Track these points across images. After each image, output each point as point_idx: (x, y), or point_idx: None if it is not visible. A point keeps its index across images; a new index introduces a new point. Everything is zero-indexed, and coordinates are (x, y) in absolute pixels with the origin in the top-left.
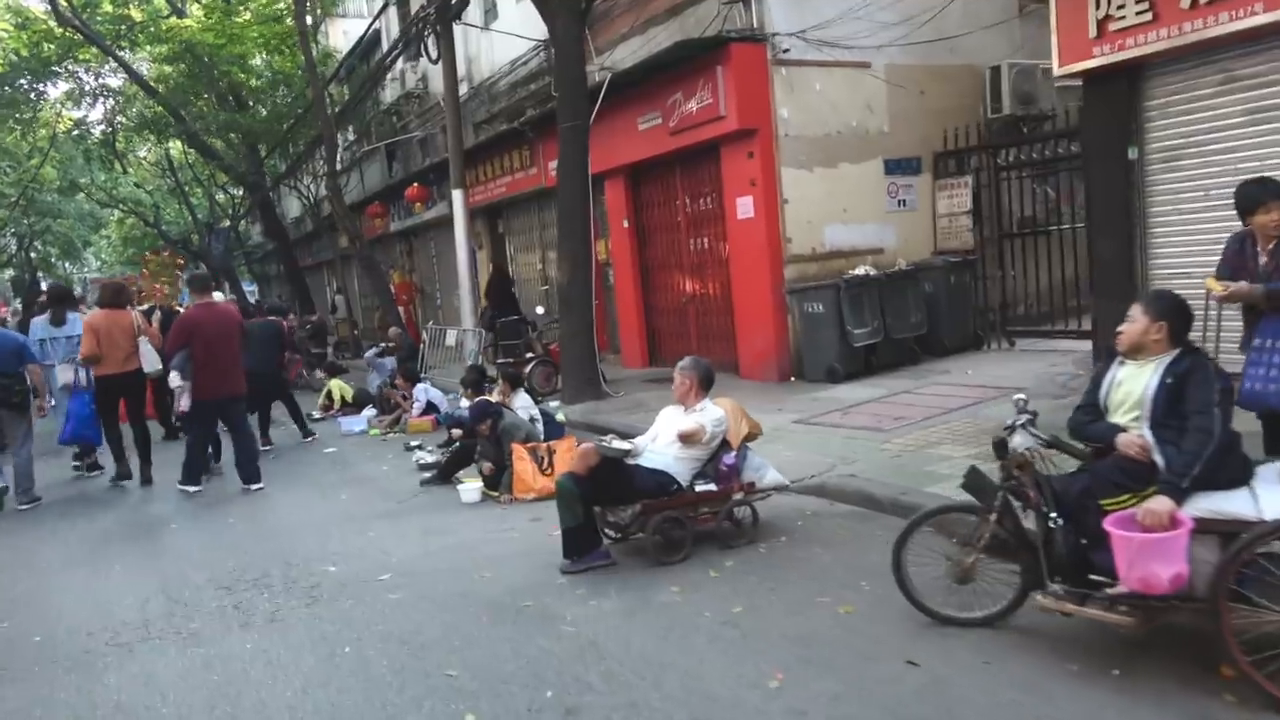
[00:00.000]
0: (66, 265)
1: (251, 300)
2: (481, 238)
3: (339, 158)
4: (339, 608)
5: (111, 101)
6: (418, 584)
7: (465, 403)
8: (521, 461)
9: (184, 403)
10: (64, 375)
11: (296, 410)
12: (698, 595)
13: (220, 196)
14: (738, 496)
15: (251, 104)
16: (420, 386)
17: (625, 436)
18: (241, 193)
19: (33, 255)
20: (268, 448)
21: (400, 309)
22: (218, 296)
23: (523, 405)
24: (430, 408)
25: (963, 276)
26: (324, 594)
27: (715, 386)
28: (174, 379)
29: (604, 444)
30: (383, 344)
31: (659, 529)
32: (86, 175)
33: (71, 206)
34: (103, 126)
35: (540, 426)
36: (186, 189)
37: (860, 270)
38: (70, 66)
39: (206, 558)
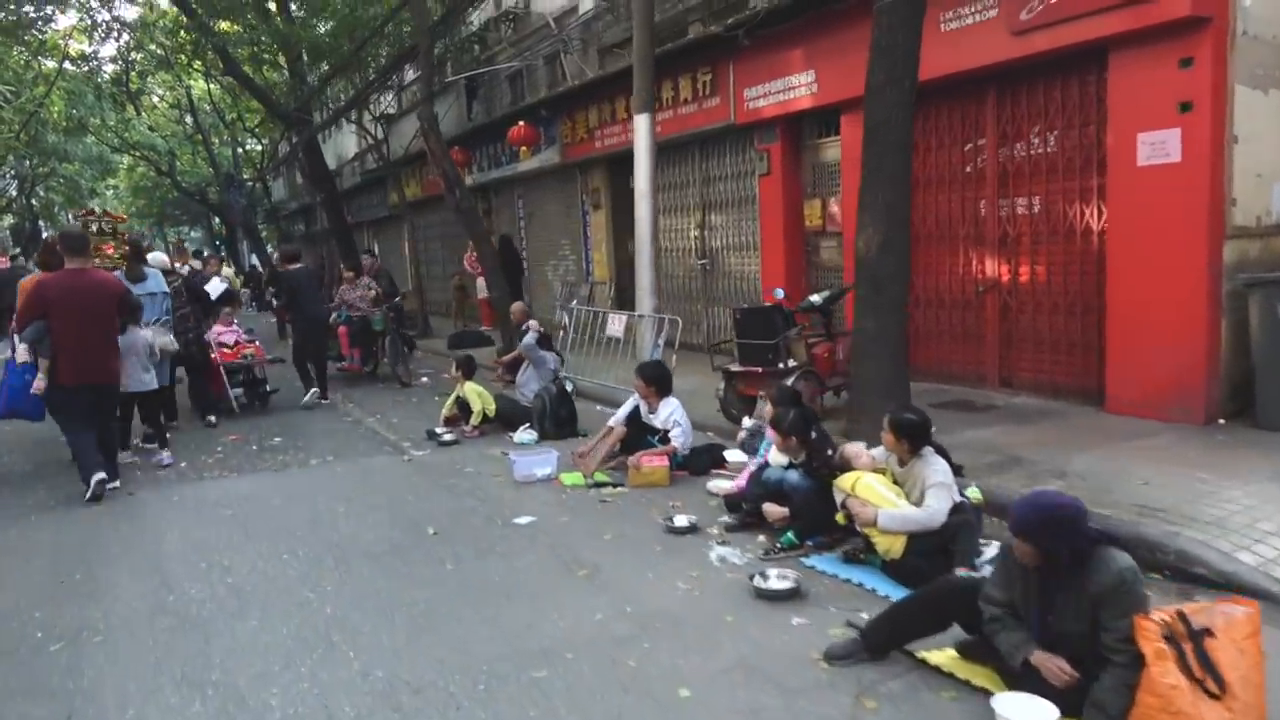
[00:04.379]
0: (69, 215)
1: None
2: (600, 195)
3: (403, 95)
4: None
5: (126, 36)
6: None
7: (776, 456)
8: (1166, 665)
9: (39, 384)
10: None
11: (322, 370)
12: None
13: (248, 144)
14: None
15: (304, 17)
16: (673, 404)
17: None
18: (268, 141)
19: (34, 202)
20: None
21: (480, 280)
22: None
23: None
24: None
25: None
26: None
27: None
28: (21, 353)
29: None
30: (537, 327)
31: None
32: (96, 114)
33: (79, 149)
34: (115, 65)
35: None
36: (208, 132)
37: None
38: None
39: None
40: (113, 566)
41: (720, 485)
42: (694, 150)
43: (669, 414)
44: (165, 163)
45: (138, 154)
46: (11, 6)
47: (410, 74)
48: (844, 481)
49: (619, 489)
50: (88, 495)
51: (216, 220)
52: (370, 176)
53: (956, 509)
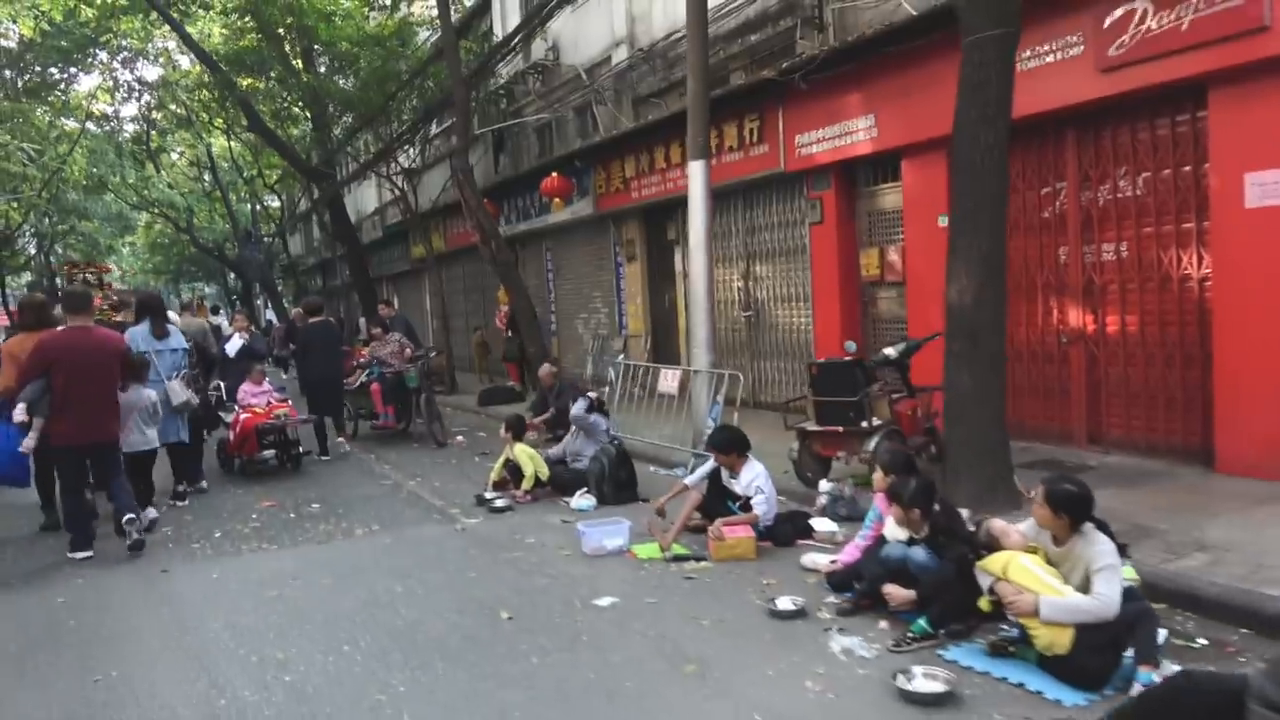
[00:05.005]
0: (87, 275)
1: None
2: (635, 246)
3: (429, 148)
4: None
5: (147, 97)
6: None
7: (893, 530)
8: None
9: (28, 443)
10: (178, 393)
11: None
12: None
13: (267, 199)
14: None
15: (328, 69)
16: (756, 469)
17: None
18: (286, 197)
19: (52, 259)
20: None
21: (507, 335)
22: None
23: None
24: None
25: None
26: None
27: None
28: (18, 412)
29: None
30: (590, 392)
31: None
32: (117, 172)
33: (99, 206)
34: (136, 124)
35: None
36: (227, 189)
37: None
38: (103, 59)
39: None
40: (151, 662)
41: (816, 560)
42: (737, 199)
43: (751, 479)
44: (184, 219)
45: (157, 211)
46: (37, 69)
47: (435, 128)
48: (993, 563)
49: (702, 563)
50: (71, 551)
51: (232, 276)
52: (392, 229)
53: (1128, 594)
